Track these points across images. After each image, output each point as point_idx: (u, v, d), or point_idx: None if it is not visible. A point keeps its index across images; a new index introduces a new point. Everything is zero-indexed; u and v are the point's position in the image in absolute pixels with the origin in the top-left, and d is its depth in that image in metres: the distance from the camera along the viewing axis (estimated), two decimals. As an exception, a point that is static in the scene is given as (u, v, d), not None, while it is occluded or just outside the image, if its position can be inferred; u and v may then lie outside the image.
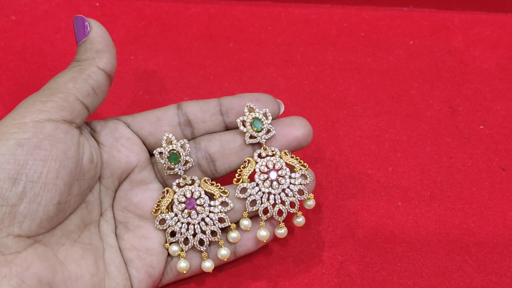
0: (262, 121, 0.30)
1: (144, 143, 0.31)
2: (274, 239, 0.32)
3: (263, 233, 0.30)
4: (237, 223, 0.31)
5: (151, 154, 0.31)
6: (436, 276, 0.33)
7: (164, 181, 0.31)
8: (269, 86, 0.41)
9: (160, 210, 0.30)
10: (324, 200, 0.36)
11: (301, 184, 0.30)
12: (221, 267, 0.33)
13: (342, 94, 0.40)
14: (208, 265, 0.30)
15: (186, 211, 0.30)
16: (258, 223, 0.31)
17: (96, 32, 0.29)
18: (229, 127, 0.31)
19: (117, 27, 0.44)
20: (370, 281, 0.33)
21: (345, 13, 0.45)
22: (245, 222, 0.30)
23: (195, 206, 0.30)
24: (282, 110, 0.32)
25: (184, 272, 0.30)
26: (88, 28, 0.29)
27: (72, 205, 0.28)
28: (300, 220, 0.31)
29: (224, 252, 0.30)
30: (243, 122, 0.30)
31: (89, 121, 0.31)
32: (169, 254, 0.31)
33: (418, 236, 0.34)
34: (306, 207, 0.31)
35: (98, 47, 0.29)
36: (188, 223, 0.30)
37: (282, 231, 0.31)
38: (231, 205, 0.30)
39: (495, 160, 0.37)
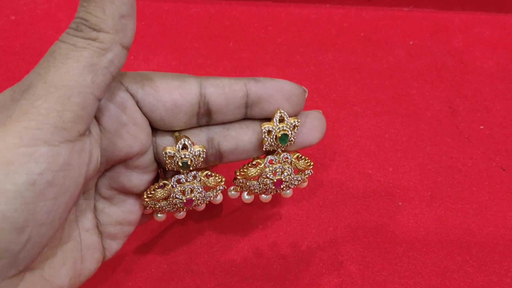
0: (289, 135, 0.27)
1: (150, 124, 0.26)
2: (274, 242, 0.32)
3: (247, 197, 0.30)
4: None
5: (153, 130, 0.26)
6: (436, 276, 0.33)
7: (160, 160, 0.27)
8: (269, 86, 0.41)
9: (153, 199, 0.27)
10: (324, 200, 0.36)
11: (302, 178, 0.30)
12: (220, 267, 0.33)
13: (342, 94, 0.40)
14: (181, 214, 0.30)
15: (181, 204, 0.28)
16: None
17: None
18: (248, 117, 0.27)
19: (117, 27, 0.44)
20: (370, 281, 0.32)
21: (345, 13, 0.45)
22: (233, 193, 0.30)
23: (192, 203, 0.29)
24: (306, 95, 0.28)
25: (161, 220, 0.30)
26: None
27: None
28: (288, 192, 0.30)
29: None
30: (269, 132, 0.27)
31: None
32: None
33: (418, 236, 0.34)
34: (300, 186, 0.31)
35: (124, 12, 0.21)
36: (178, 207, 0.29)
37: (266, 196, 0.30)
38: (224, 188, 0.29)
39: (495, 160, 0.37)
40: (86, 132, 0.21)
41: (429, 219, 0.35)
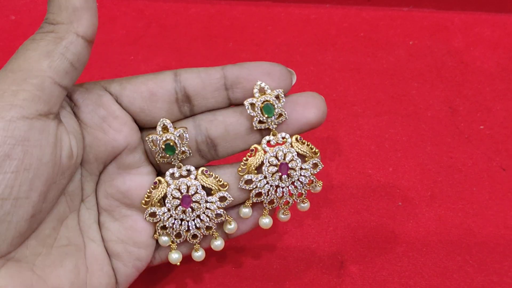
0: (274, 105, 0.26)
1: (134, 119, 0.26)
2: (274, 242, 0.32)
3: (266, 221, 0.28)
4: (234, 207, 0.28)
5: (142, 129, 0.27)
6: (436, 276, 0.32)
7: (155, 161, 0.27)
8: (269, 86, 0.41)
9: (150, 203, 0.26)
10: (324, 200, 0.36)
11: (312, 174, 0.27)
12: (221, 267, 0.33)
13: (342, 94, 0.40)
14: (199, 254, 0.28)
15: (180, 208, 0.27)
16: (257, 207, 0.28)
17: None
18: (233, 103, 0.27)
19: (116, 27, 0.44)
20: (370, 281, 0.32)
21: (345, 13, 0.45)
22: (246, 210, 0.27)
23: (191, 204, 0.27)
24: (294, 81, 0.27)
25: (177, 263, 0.28)
26: None
27: (48, 209, 0.24)
28: (305, 205, 0.28)
29: (218, 243, 0.28)
30: (252, 105, 0.26)
31: (70, 90, 0.26)
32: (157, 242, 0.28)
33: (418, 236, 0.34)
34: (313, 191, 0.28)
35: (76, 4, 0.22)
36: (182, 219, 0.27)
37: (286, 216, 0.29)
38: (230, 199, 0.27)
39: (496, 160, 0.37)
40: (49, 115, 0.22)
41: (429, 219, 0.35)
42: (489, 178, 0.36)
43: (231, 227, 0.28)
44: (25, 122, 0.21)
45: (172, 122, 0.26)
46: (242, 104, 0.26)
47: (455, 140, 0.38)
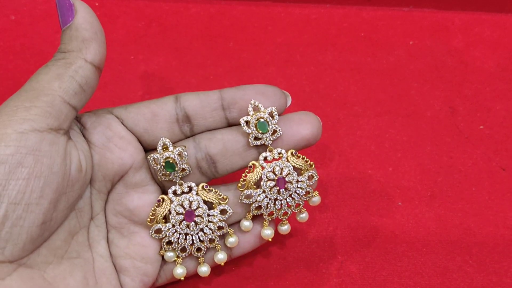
0: (268, 122, 0.27)
1: (139, 140, 0.28)
2: (274, 242, 0.32)
3: (268, 232, 0.30)
4: (235, 223, 0.30)
5: (146, 150, 0.29)
6: (436, 276, 0.33)
7: (161, 181, 0.29)
8: (269, 86, 0.41)
9: (155, 220, 0.28)
10: (324, 200, 0.36)
11: (308, 186, 0.29)
12: (221, 267, 0.33)
13: (342, 94, 0.40)
14: (204, 269, 0.30)
15: (184, 222, 0.28)
16: (258, 221, 0.30)
17: (83, 17, 0.25)
18: (231, 123, 0.29)
19: (117, 27, 0.44)
20: (370, 281, 0.32)
21: (345, 13, 0.45)
22: (246, 223, 0.29)
23: (194, 218, 0.28)
24: (289, 102, 0.29)
25: (182, 278, 0.29)
26: (74, 12, 0.25)
27: (59, 220, 0.25)
28: (303, 216, 0.30)
29: (221, 256, 0.29)
30: (247, 123, 0.27)
31: (79, 115, 0.28)
32: (163, 258, 0.29)
33: (418, 236, 0.34)
34: (311, 204, 0.30)
35: (85, 35, 0.25)
36: (186, 234, 0.28)
37: (285, 228, 0.30)
38: (230, 212, 0.28)
39: (495, 160, 0.37)
40: (59, 131, 0.24)
41: (429, 219, 0.35)
42: (489, 178, 0.36)
43: (232, 240, 0.29)
44: (36, 134, 0.23)
45: (174, 142, 0.28)
46: (239, 124, 0.28)
47: (455, 140, 0.38)
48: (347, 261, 0.33)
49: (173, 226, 0.28)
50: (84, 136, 0.27)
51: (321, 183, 0.36)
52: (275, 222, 0.31)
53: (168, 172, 0.27)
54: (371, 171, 0.37)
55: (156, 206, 0.28)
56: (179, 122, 0.28)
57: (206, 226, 0.28)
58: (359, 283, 0.32)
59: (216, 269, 0.33)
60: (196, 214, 0.28)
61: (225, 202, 0.28)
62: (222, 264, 0.30)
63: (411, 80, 0.41)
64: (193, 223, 0.28)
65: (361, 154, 0.38)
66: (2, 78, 0.41)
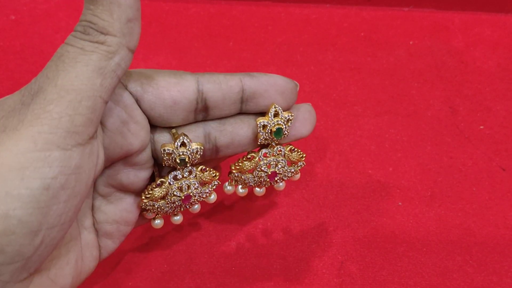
0: (283, 129, 0.28)
1: (149, 121, 0.26)
2: (274, 242, 0.32)
3: (241, 191, 0.30)
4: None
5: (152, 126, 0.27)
6: (436, 276, 0.32)
7: (157, 156, 0.27)
8: (269, 86, 0.41)
9: (151, 199, 0.27)
10: (324, 200, 0.36)
11: (294, 171, 0.30)
12: (221, 267, 0.33)
13: (342, 94, 0.40)
14: (177, 218, 0.30)
15: (179, 202, 0.28)
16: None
17: None
18: (243, 112, 0.28)
19: (117, 27, 0.44)
20: (370, 281, 0.32)
21: (345, 13, 0.45)
22: (229, 188, 0.30)
23: (190, 199, 0.29)
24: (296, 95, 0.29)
25: (159, 227, 0.30)
26: None
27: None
28: (281, 184, 0.31)
29: (196, 207, 0.30)
30: (264, 127, 0.27)
31: None
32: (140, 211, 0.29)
33: (418, 236, 0.34)
34: (292, 180, 0.31)
35: (130, 15, 0.21)
36: (177, 206, 0.29)
37: (260, 190, 0.31)
38: (219, 183, 0.29)
39: (495, 160, 0.37)
40: (95, 135, 0.22)
41: (429, 219, 0.35)
42: (489, 178, 0.36)
43: (211, 198, 0.30)
44: (79, 149, 0.20)
45: (184, 126, 0.27)
46: (250, 114, 0.28)
47: (455, 140, 0.38)
48: (347, 261, 0.33)
49: (167, 203, 0.28)
50: None
51: (321, 182, 0.36)
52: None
53: (178, 166, 0.27)
54: (371, 171, 0.37)
55: (154, 187, 0.27)
56: (197, 112, 0.26)
57: (195, 197, 0.29)
58: (359, 283, 0.32)
59: (216, 269, 0.33)
60: (191, 194, 0.29)
61: (217, 178, 0.29)
62: (197, 212, 0.30)
63: (411, 80, 0.41)
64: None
65: (361, 154, 0.38)
66: (2, 78, 0.41)
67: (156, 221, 0.30)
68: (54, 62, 0.21)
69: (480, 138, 0.38)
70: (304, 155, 0.30)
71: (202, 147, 0.26)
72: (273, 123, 0.27)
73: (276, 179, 0.30)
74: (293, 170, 0.30)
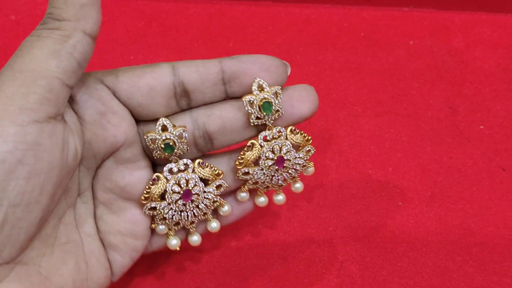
0: (272, 103, 0.26)
1: (131, 113, 0.26)
2: (274, 242, 0.32)
3: (262, 199, 0.29)
4: (227, 193, 0.29)
5: (138, 122, 0.27)
6: (436, 276, 0.33)
7: (152, 154, 0.27)
8: (269, 86, 0.41)
9: (150, 198, 0.27)
10: (324, 200, 0.36)
11: (305, 160, 0.28)
12: (221, 267, 0.33)
13: (342, 94, 0.40)
14: (195, 238, 0.29)
15: (181, 201, 0.27)
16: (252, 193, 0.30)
17: None
18: (230, 96, 0.27)
19: (117, 27, 0.44)
20: (370, 281, 0.32)
21: (345, 13, 0.45)
22: (243, 194, 0.29)
23: (192, 197, 0.27)
24: (289, 72, 0.27)
25: (177, 249, 0.29)
26: None
27: (52, 210, 0.24)
28: (298, 186, 0.30)
29: (214, 225, 0.29)
30: (250, 103, 0.26)
31: None
32: (152, 232, 0.28)
33: (418, 236, 0.34)
34: (305, 174, 0.29)
35: (83, 0, 0.22)
36: (182, 211, 0.28)
37: (280, 197, 0.30)
38: (225, 186, 0.28)
39: (495, 160, 0.37)
40: (57, 117, 0.22)
41: (429, 219, 0.35)
42: (489, 178, 0.36)
43: (224, 209, 0.28)
44: (36, 126, 0.21)
45: (169, 116, 0.27)
46: (238, 98, 0.27)
47: (455, 140, 0.38)
48: (347, 261, 0.33)
49: (169, 204, 0.27)
50: (74, 111, 0.25)
51: (321, 183, 0.36)
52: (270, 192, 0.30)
53: (166, 153, 0.26)
54: (371, 171, 0.37)
55: (151, 185, 0.27)
56: (177, 97, 0.26)
57: (202, 202, 0.28)
58: (359, 283, 0.32)
59: (216, 269, 0.33)
60: (193, 192, 0.27)
61: (220, 177, 0.28)
62: (216, 231, 0.29)
63: (411, 80, 0.41)
64: (189, 201, 0.27)
65: (361, 154, 0.38)
66: (2, 78, 0.41)
67: (172, 241, 0.28)
68: (15, 52, 0.22)
69: (480, 138, 0.38)
70: (309, 138, 0.28)
71: (185, 129, 0.26)
72: (259, 98, 0.26)
73: (286, 166, 0.28)
74: (301, 156, 0.28)
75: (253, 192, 0.30)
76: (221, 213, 0.29)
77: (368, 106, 0.40)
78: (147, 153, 0.27)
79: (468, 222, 0.35)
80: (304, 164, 0.28)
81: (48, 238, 0.24)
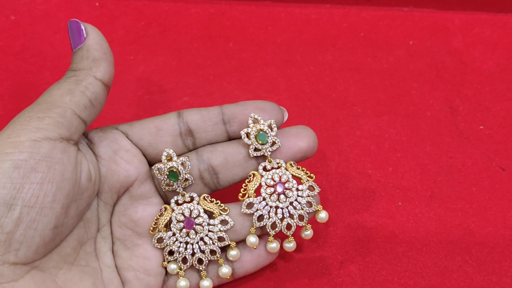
0: (267, 134, 0.29)
1: (143, 154, 0.29)
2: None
3: (273, 245, 0.30)
4: (237, 242, 0.30)
5: (151, 164, 0.30)
6: (436, 276, 0.33)
7: (165, 194, 0.30)
8: (269, 86, 0.41)
9: (157, 229, 0.29)
10: (324, 200, 0.36)
11: (309, 196, 0.29)
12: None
13: (342, 94, 0.40)
14: (206, 284, 0.29)
15: (184, 230, 0.29)
16: (263, 239, 0.30)
17: (93, 38, 0.27)
18: (232, 137, 0.30)
19: (116, 27, 0.44)
20: (370, 281, 0.32)
21: (345, 13, 0.45)
22: (252, 239, 0.29)
23: (194, 226, 0.29)
24: (286, 117, 0.30)
25: None
26: (84, 34, 0.27)
27: (69, 227, 0.26)
28: (308, 233, 0.30)
29: (225, 270, 0.29)
30: (247, 134, 0.29)
31: (86, 131, 0.29)
32: (166, 272, 0.30)
33: (418, 236, 0.34)
34: (319, 220, 0.30)
35: (95, 55, 0.27)
36: (187, 243, 0.29)
37: (291, 245, 0.30)
38: (231, 223, 0.29)
39: (495, 160, 0.37)
40: (70, 141, 0.26)
41: (429, 219, 0.35)
42: (488, 178, 0.36)
43: (234, 252, 0.29)
44: (49, 142, 0.24)
45: (177, 155, 0.29)
46: (239, 138, 0.29)
47: (455, 140, 0.38)
48: (347, 261, 0.33)
49: (174, 234, 0.29)
50: (91, 150, 0.29)
51: (321, 183, 0.36)
52: (280, 241, 0.31)
53: (171, 182, 0.28)
54: (371, 171, 0.37)
55: (159, 215, 0.29)
56: (182, 136, 0.30)
57: (206, 235, 0.29)
58: (359, 283, 0.32)
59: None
60: (196, 222, 0.29)
61: (226, 213, 0.29)
62: (227, 277, 0.30)
63: (411, 80, 0.41)
64: (193, 231, 0.29)
65: (361, 154, 0.38)
66: (2, 78, 0.41)
67: (181, 283, 0.29)
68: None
69: (479, 138, 0.38)
70: (312, 176, 0.29)
71: (188, 157, 0.29)
72: (254, 129, 0.28)
73: (292, 203, 0.29)
74: (304, 188, 0.29)
75: (263, 241, 0.30)
76: (229, 258, 0.29)
77: (368, 106, 0.40)
78: (160, 192, 0.30)
79: (468, 222, 0.35)
80: (309, 200, 0.29)
81: (67, 257, 0.27)
